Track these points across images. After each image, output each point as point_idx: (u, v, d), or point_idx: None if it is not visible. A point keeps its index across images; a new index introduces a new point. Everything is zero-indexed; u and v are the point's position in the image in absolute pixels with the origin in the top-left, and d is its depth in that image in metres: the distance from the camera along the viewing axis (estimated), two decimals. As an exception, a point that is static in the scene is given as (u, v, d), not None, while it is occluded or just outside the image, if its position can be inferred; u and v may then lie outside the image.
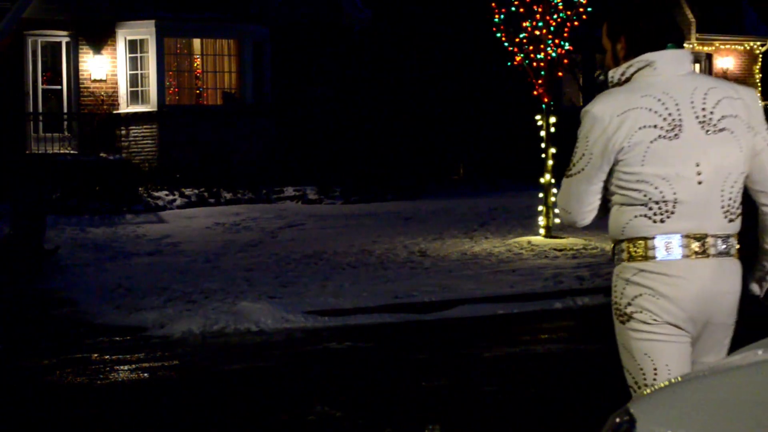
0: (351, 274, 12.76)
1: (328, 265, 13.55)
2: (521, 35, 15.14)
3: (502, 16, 15.18)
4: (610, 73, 3.59)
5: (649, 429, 2.82)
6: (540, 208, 15.57)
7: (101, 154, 20.97)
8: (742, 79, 29.61)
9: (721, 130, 3.46)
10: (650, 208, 3.45)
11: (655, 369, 3.47)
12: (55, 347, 9.35)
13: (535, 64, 15.17)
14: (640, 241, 3.47)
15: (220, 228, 17.53)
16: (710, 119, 3.45)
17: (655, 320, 3.45)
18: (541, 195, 15.57)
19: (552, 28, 15.11)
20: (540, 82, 15.21)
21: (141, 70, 21.68)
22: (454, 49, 25.32)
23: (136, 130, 21.56)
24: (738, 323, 3.64)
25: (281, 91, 22.93)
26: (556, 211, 15.33)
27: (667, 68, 3.49)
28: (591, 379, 7.38)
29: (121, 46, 21.68)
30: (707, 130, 3.45)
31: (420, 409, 6.73)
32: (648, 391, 3.32)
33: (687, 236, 3.47)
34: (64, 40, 21.44)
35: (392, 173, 23.16)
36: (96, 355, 9.04)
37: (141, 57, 21.66)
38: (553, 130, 15.47)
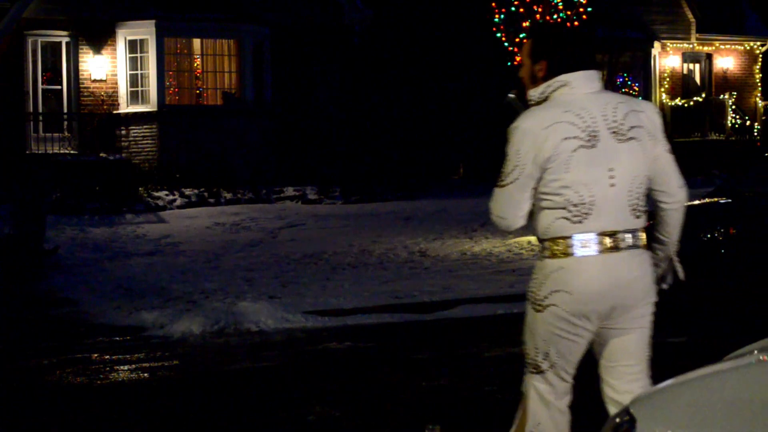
0: (351, 274, 12.76)
1: (328, 265, 13.55)
2: (521, 35, 15.15)
3: (502, 16, 15.20)
4: (531, 93, 4.07)
5: (649, 429, 2.83)
6: (540, 208, 15.56)
7: (101, 154, 20.96)
8: (743, 79, 29.59)
9: (630, 138, 3.97)
10: (569, 211, 3.93)
11: (546, 353, 4.12)
12: (55, 347, 9.35)
13: (535, 64, 15.17)
14: (561, 240, 3.95)
15: (220, 228, 17.53)
16: (621, 129, 3.96)
17: (566, 314, 3.98)
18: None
19: (552, 28, 15.12)
20: (540, 82, 15.21)
21: (141, 70, 21.67)
22: (454, 49, 25.32)
23: (136, 130, 21.55)
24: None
25: (281, 90, 22.92)
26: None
27: (581, 87, 4.00)
28: (591, 379, 7.36)
29: (121, 46, 21.67)
30: (619, 139, 3.96)
31: (420, 409, 6.73)
32: (536, 365, 4.16)
33: (601, 234, 3.95)
34: (64, 40, 21.43)
35: (392, 173, 23.15)
36: (96, 355, 9.04)
37: (141, 57, 21.65)
38: (553, 130, 15.46)
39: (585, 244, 3.94)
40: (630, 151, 3.95)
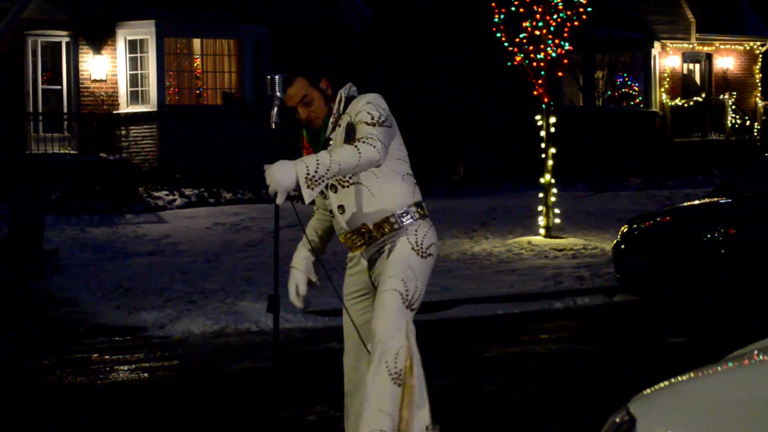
0: (351, 274, 12.74)
1: (327, 265, 13.51)
2: (521, 35, 15.14)
3: (502, 16, 15.17)
4: (341, 91, 4.89)
5: (649, 429, 2.83)
6: (540, 208, 15.57)
7: (101, 154, 20.96)
8: (743, 79, 29.59)
9: None
10: (414, 179, 4.87)
11: (421, 294, 4.80)
12: (55, 347, 9.35)
13: (535, 64, 15.17)
14: (421, 204, 4.84)
15: (220, 228, 17.53)
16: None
17: (433, 261, 4.86)
18: (541, 195, 15.57)
19: (552, 28, 15.11)
20: (540, 82, 15.20)
21: (141, 70, 21.66)
22: (454, 49, 25.32)
23: (136, 130, 21.55)
24: None
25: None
26: (557, 211, 15.41)
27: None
28: (591, 379, 7.37)
29: (121, 46, 21.67)
30: None
31: (420, 409, 6.72)
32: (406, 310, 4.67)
33: None
34: (64, 40, 21.43)
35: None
36: (96, 355, 9.04)
37: (141, 57, 21.65)
38: (553, 130, 15.46)
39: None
40: None
